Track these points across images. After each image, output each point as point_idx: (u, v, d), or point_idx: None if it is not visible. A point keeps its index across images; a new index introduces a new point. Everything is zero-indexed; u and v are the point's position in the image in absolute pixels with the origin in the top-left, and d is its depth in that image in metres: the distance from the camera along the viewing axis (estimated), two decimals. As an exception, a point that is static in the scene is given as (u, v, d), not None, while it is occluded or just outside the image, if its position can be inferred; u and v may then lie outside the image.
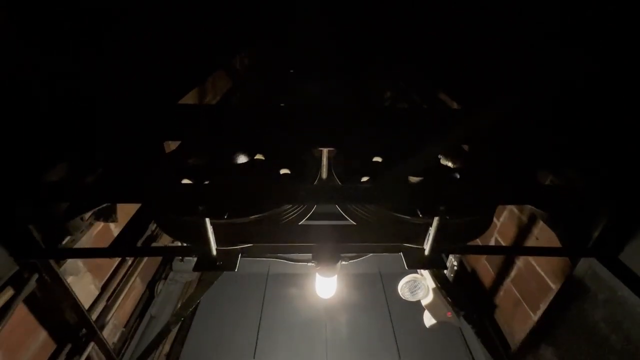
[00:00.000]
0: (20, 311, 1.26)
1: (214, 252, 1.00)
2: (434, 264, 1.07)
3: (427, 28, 1.95)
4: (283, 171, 1.23)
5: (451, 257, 2.05)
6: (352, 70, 2.05)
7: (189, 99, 2.41)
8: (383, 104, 2.15)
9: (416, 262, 1.07)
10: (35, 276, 1.17)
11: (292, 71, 1.96)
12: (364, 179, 1.25)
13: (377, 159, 1.28)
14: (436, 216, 0.94)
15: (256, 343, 2.28)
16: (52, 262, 1.20)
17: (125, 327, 2.05)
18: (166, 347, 2.18)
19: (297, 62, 2.08)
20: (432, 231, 0.98)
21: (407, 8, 2.04)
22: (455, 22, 1.76)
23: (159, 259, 2.49)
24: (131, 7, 1.46)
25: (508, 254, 1.87)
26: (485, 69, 1.54)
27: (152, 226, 1.49)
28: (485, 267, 2.19)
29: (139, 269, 2.08)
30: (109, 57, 1.34)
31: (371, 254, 1.39)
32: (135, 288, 2.11)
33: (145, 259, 2.18)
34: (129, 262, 2.01)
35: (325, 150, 1.27)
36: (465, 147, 1.48)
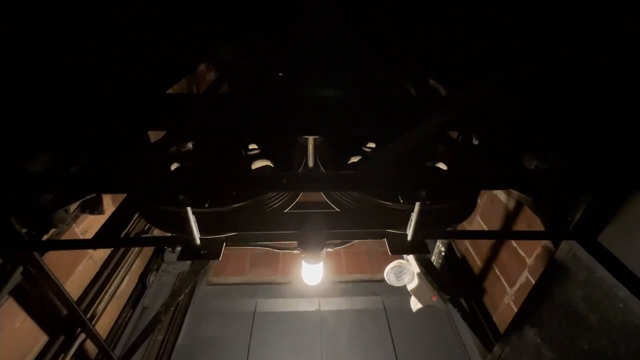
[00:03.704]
0: (8, 304, 1.26)
1: (198, 241, 1.00)
2: (417, 249, 1.08)
3: (423, 15, 1.92)
4: (264, 163, 1.23)
5: (438, 242, 2.08)
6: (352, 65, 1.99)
7: (178, 89, 2.39)
8: (373, 93, 2.14)
9: (399, 248, 1.09)
10: (20, 269, 1.17)
11: (281, 74, 1.90)
12: (354, 159, 1.25)
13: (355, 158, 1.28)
14: (417, 202, 0.95)
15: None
16: (36, 254, 1.20)
17: (117, 318, 2.06)
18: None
19: (291, 58, 2.03)
20: (413, 217, 0.99)
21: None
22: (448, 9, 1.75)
23: (151, 250, 2.49)
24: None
25: (492, 239, 1.89)
26: (472, 52, 1.53)
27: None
28: (472, 251, 2.23)
29: (130, 260, 2.08)
30: (95, 46, 1.32)
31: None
32: (127, 279, 2.11)
33: (137, 250, 2.18)
34: (121, 253, 2.01)
35: (311, 139, 1.27)
36: (451, 133, 1.49)
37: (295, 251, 1.29)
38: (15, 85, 1.05)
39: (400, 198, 0.97)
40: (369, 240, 2.80)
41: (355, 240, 1.52)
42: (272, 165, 1.21)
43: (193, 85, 2.61)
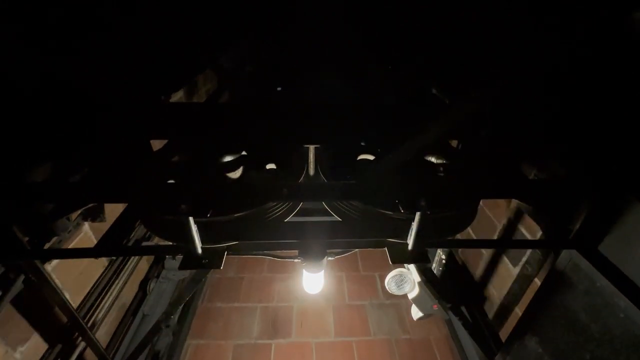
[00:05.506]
0: (9, 312, 1.26)
1: (199, 251, 1.00)
2: (418, 258, 1.08)
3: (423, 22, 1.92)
4: (269, 166, 1.24)
5: (439, 251, 2.08)
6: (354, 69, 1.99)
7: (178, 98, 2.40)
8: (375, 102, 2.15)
9: (400, 257, 1.09)
10: (22, 277, 1.17)
11: (279, 89, 1.90)
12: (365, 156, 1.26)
13: (366, 156, 1.29)
14: (417, 211, 0.95)
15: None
16: (38, 263, 1.20)
17: (118, 326, 2.05)
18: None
19: (290, 67, 2.04)
20: (414, 226, 1.00)
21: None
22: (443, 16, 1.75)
23: (152, 256, 2.49)
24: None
25: (492, 247, 1.89)
26: (469, 61, 1.54)
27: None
28: (474, 259, 2.22)
29: (131, 267, 2.08)
30: (95, 55, 1.33)
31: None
32: (127, 286, 2.11)
33: (137, 256, 2.18)
34: (122, 260, 2.01)
35: (312, 147, 1.28)
36: (452, 142, 1.50)
37: (296, 260, 1.30)
38: (15, 92, 1.06)
39: (400, 207, 0.98)
40: (389, 323, 2.42)
41: (356, 248, 1.50)
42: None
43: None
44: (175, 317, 2.27)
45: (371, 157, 1.31)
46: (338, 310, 2.53)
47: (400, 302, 2.56)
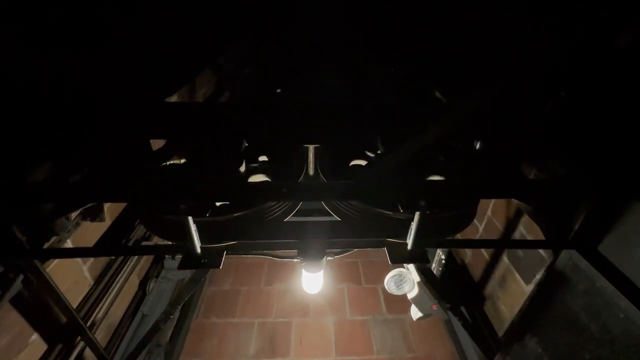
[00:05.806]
0: (8, 312, 1.26)
1: (198, 250, 1.00)
2: (417, 258, 1.09)
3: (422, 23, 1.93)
4: (261, 159, 1.24)
5: (439, 251, 2.07)
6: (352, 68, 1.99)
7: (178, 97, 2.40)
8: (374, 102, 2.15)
9: (400, 257, 1.09)
10: (21, 277, 1.17)
11: (279, 90, 1.90)
12: (357, 162, 1.26)
13: (359, 161, 1.29)
14: (417, 211, 0.95)
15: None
16: (37, 262, 1.20)
17: (117, 325, 2.05)
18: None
19: (290, 68, 2.04)
20: (413, 226, 1.00)
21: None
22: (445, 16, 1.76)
23: (151, 256, 2.49)
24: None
25: (492, 247, 1.89)
26: (469, 61, 1.55)
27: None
28: (473, 259, 2.22)
29: (130, 267, 2.07)
30: (95, 55, 1.33)
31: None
32: (127, 286, 2.11)
33: (137, 256, 2.17)
34: (121, 260, 2.01)
35: (311, 147, 1.28)
36: (452, 142, 1.49)
37: (295, 259, 1.30)
38: (15, 92, 1.06)
39: (400, 207, 0.98)
40: (393, 340, 2.28)
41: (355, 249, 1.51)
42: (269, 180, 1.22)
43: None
44: (167, 334, 2.23)
45: (363, 163, 1.31)
46: (339, 326, 2.42)
47: (404, 317, 2.44)
